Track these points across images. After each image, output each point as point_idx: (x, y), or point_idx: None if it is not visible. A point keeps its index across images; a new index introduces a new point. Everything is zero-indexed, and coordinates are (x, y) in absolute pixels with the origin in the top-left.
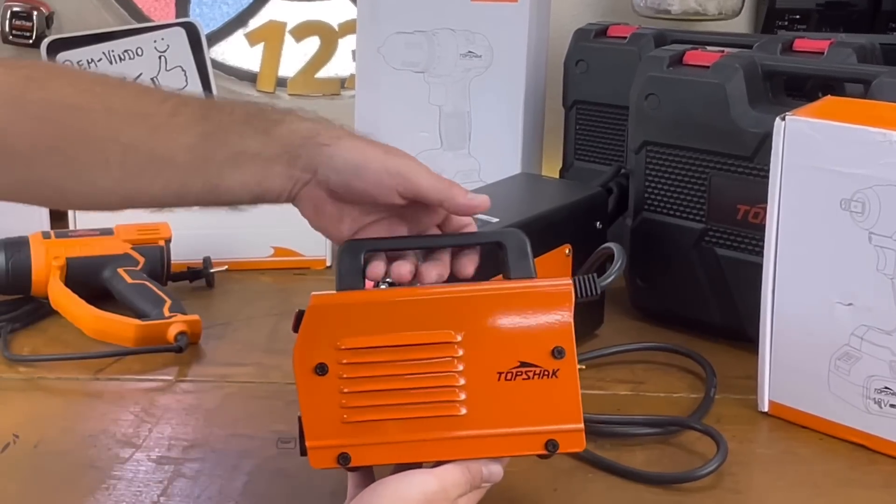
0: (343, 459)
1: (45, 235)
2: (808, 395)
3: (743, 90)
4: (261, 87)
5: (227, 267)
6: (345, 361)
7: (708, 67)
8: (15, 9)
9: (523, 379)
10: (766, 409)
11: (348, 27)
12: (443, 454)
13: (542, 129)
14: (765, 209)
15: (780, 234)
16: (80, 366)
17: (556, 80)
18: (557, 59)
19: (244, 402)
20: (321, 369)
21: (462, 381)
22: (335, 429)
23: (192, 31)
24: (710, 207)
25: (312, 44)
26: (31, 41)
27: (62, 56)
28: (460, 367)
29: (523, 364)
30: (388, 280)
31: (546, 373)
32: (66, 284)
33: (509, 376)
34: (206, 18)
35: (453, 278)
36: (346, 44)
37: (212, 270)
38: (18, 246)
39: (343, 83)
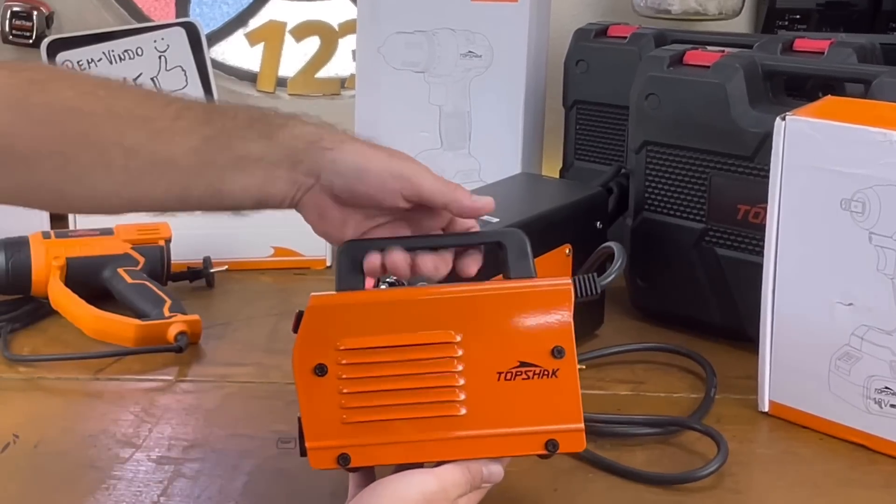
0: (343, 460)
1: (46, 235)
2: (808, 395)
3: (743, 90)
4: (261, 87)
5: (227, 267)
6: (344, 362)
7: (708, 67)
8: (15, 9)
9: (523, 379)
10: (766, 409)
11: (348, 27)
12: (443, 454)
13: (542, 128)
14: (765, 209)
15: (780, 234)
16: (80, 366)
17: (557, 80)
18: (557, 59)
19: (244, 402)
20: (321, 370)
21: (462, 382)
22: (335, 429)
23: (192, 31)
24: (711, 207)
25: (312, 44)
26: (31, 41)
27: (62, 56)
28: (460, 368)
29: (523, 364)
30: (388, 280)
31: (546, 373)
32: (66, 284)
33: (509, 376)
34: (206, 18)
35: (456, 278)
36: (347, 44)
37: (212, 270)
38: (18, 246)
39: (343, 83)
